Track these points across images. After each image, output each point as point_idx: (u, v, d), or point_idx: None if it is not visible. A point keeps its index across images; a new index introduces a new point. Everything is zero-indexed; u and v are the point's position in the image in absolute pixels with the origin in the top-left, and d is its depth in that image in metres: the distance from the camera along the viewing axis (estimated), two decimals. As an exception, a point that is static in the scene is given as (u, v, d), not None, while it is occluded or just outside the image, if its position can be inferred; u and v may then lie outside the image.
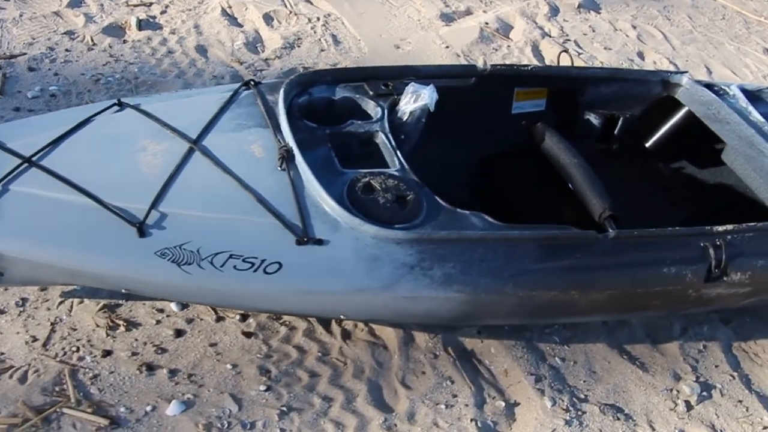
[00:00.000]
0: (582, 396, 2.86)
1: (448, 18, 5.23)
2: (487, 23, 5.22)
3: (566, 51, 3.72)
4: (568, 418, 2.74)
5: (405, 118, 3.00)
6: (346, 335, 2.89)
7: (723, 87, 3.75)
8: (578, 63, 4.97)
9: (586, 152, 3.73)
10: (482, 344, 2.97)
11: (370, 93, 3.06)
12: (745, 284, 2.84)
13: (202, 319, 2.82)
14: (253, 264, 2.31)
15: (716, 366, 3.13)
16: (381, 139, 2.85)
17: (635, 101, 3.73)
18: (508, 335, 3.02)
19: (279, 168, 2.55)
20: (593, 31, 5.60)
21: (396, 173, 2.68)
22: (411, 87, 3.05)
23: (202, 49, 4.30)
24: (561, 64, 3.63)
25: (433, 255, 2.45)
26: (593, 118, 3.70)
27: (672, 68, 5.33)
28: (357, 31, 4.83)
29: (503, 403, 2.77)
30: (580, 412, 2.78)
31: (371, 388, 2.71)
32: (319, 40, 4.61)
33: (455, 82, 3.33)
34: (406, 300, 2.45)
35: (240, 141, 2.63)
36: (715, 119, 3.48)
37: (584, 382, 2.92)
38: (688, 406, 2.92)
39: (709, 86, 3.72)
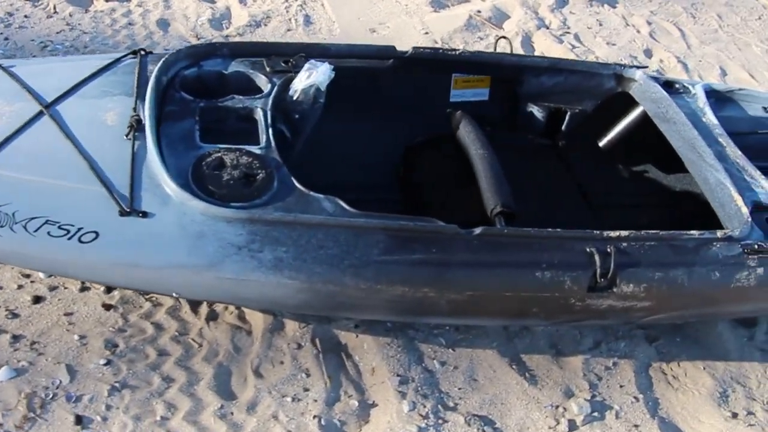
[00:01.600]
0: (451, 404, 2.65)
1: (439, 4, 5.02)
2: (479, 11, 4.98)
3: (505, 37, 3.46)
4: (423, 425, 2.54)
5: (296, 97, 2.86)
6: (213, 317, 2.79)
7: (686, 85, 3.42)
8: (569, 57, 4.66)
9: (527, 147, 3.48)
10: (357, 339, 2.80)
11: (268, 69, 2.93)
12: (640, 298, 2.55)
13: (66, 288, 2.77)
14: (68, 231, 2.23)
15: (621, 386, 2.84)
16: (259, 115, 2.72)
17: (585, 95, 3.44)
18: (389, 332, 2.83)
19: (126, 137, 2.46)
20: (600, 25, 5.25)
21: (258, 151, 2.54)
22: (307, 65, 2.90)
23: (164, 23, 4.28)
24: (500, 51, 3.36)
25: (265, 237, 2.30)
26: (536, 111, 3.45)
27: (680, 68, 4.93)
28: (335, 13, 4.70)
29: (357, 403, 2.59)
30: (440, 421, 2.57)
31: (219, 373, 2.59)
32: (289, 20, 4.50)
33: (373, 63, 3.14)
34: (232, 282, 2.32)
35: (97, 108, 2.56)
36: (663, 118, 3.17)
37: (459, 389, 2.70)
38: (572, 426, 2.66)
39: (668, 83, 3.40)
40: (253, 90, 2.86)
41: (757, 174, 2.93)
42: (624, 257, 2.50)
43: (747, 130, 3.46)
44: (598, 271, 2.45)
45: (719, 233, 2.61)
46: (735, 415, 2.82)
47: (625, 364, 2.93)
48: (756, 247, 2.61)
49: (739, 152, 3.02)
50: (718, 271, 2.58)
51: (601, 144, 3.57)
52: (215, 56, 2.95)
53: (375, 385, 2.66)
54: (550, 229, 2.50)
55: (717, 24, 5.62)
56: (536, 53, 4.74)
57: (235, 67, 2.93)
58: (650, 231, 2.57)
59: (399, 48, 3.16)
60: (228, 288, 2.36)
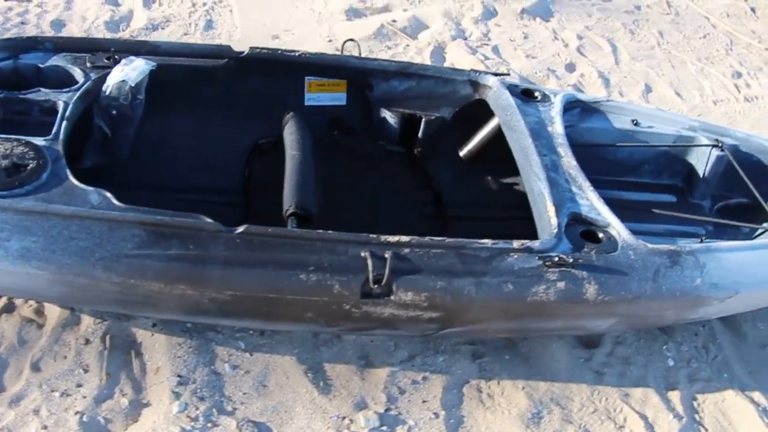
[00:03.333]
0: (229, 408, 2.59)
1: (356, 13, 5.00)
2: (394, 21, 4.94)
3: (352, 40, 3.41)
4: (189, 427, 2.49)
5: (108, 92, 2.86)
6: (9, 309, 2.78)
7: (546, 94, 3.34)
8: (479, 68, 4.57)
9: (379, 154, 3.42)
10: (152, 338, 2.76)
11: (88, 64, 2.94)
12: (423, 307, 2.47)
13: None
14: None
15: (424, 401, 2.75)
16: (60, 108, 2.72)
17: (441, 102, 3.39)
18: (186, 333, 2.79)
19: None
20: (525, 38, 5.17)
21: (42, 142, 2.54)
22: (123, 61, 2.91)
23: (58, 24, 4.34)
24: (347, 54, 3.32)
25: (15, 226, 2.29)
26: (390, 117, 3.40)
27: (600, 83, 4.82)
28: (241, 19, 4.71)
29: (128, 402, 2.55)
30: (210, 424, 2.52)
31: (-8, 366, 2.58)
32: (189, 24, 4.53)
33: (210, 62, 3.13)
34: None
35: None
36: (508, 126, 3.10)
37: (244, 394, 2.64)
38: (354, 439, 2.57)
39: (527, 91, 3.32)
40: (69, 84, 2.87)
41: (587, 186, 2.83)
42: (403, 264, 2.43)
43: (609, 141, 3.36)
44: (371, 276, 2.37)
45: (516, 244, 2.52)
46: (540, 437, 2.70)
47: (436, 380, 2.83)
48: (556, 259, 2.50)
49: (574, 163, 2.93)
50: (512, 284, 2.49)
51: (461, 153, 3.48)
52: (36, 50, 2.97)
53: (155, 385, 2.62)
54: (321, 231, 2.44)
55: (656, 41, 5.49)
56: (445, 65, 4.68)
57: (55, 61, 2.95)
58: (437, 238, 2.49)
59: (232, 48, 3.14)
60: (-20, 277, 2.35)
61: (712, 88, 5.04)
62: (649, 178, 3.56)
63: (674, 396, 2.96)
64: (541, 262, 2.52)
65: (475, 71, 3.37)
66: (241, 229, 2.37)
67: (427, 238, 2.47)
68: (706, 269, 2.68)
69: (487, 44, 4.96)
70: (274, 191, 2.78)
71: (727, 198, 3.57)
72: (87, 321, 2.77)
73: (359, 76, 3.30)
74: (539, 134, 3.05)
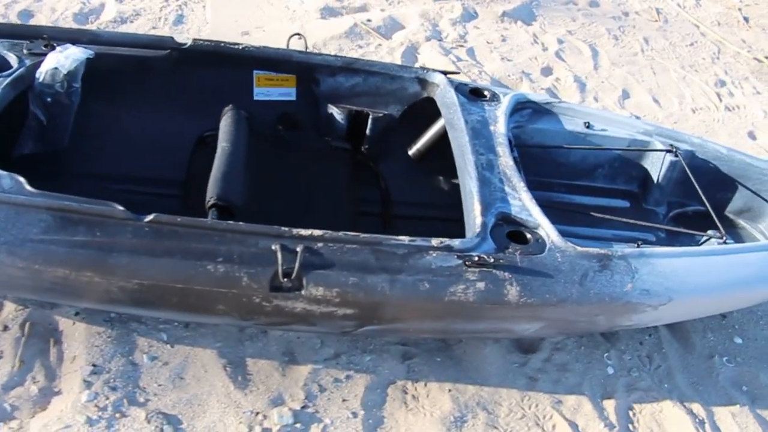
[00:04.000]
0: (141, 399, 2.56)
1: (332, 12, 4.98)
2: (369, 20, 4.91)
3: (298, 34, 3.38)
4: (95, 417, 2.46)
5: (41, 79, 2.86)
6: (-67, 296, 2.77)
7: (496, 93, 3.29)
8: (449, 69, 4.52)
9: (323, 151, 3.38)
10: (73, 327, 2.75)
11: (25, 51, 2.94)
12: (335, 303, 2.42)
13: None
14: None
15: (344, 400, 2.70)
16: None
17: (389, 99, 3.36)
18: (108, 322, 2.78)
19: None
20: (503, 41, 5.11)
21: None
22: (58, 48, 2.90)
23: (26, 15, 4.37)
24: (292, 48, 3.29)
25: None
26: (336, 113, 3.37)
27: (575, 88, 4.75)
28: (213, 15, 4.71)
29: (38, 389, 2.53)
30: (118, 415, 2.49)
31: None
32: (159, 18, 4.53)
33: (151, 53, 3.11)
34: None
35: None
36: (450, 124, 3.05)
37: (159, 386, 2.62)
38: (265, 435, 2.53)
39: (476, 91, 3.27)
40: (2, 70, 2.87)
41: (521, 186, 2.78)
42: (315, 258, 2.39)
43: (560, 144, 3.30)
44: (280, 269, 2.33)
45: (435, 242, 2.47)
46: (461, 441, 2.64)
47: (360, 379, 2.79)
48: (476, 259, 2.45)
49: (511, 163, 2.88)
50: (428, 282, 2.43)
51: (410, 152, 3.44)
52: None
53: (69, 374, 2.60)
54: (231, 222, 2.41)
55: (640, 47, 5.41)
56: (416, 66, 4.63)
57: None
58: (351, 233, 2.44)
59: (176, 39, 3.13)
60: None
61: (693, 96, 4.95)
62: (604, 182, 3.49)
63: (609, 405, 2.89)
64: (460, 262, 2.46)
65: (424, 68, 3.33)
66: (150, 217, 2.34)
67: (341, 233, 2.43)
68: (638, 275, 2.61)
69: (462, 46, 4.92)
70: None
71: (685, 205, 3.49)
72: (9, 308, 2.77)
73: (305, 71, 3.27)
74: (480, 133, 3.00)
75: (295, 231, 2.40)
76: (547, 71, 4.91)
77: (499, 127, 3.05)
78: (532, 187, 3.45)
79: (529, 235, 2.61)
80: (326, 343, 2.87)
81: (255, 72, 3.33)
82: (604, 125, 3.35)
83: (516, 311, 2.55)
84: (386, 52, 4.67)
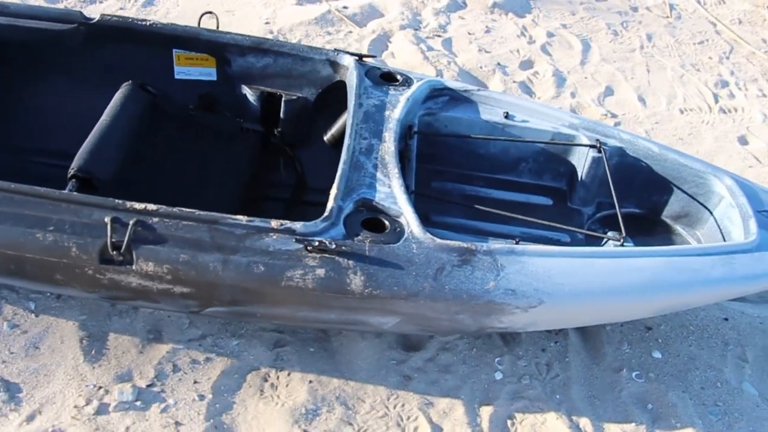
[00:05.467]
0: (-12, 366, 2.58)
1: (311, -2, 4.92)
2: (345, 7, 4.83)
3: (211, 12, 3.32)
4: (-65, 378, 2.49)
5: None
6: None
7: (410, 78, 3.16)
8: (424, 64, 4.41)
9: (229, 132, 3.32)
10: (-55, 290, 2.80)
11: None
12: (168, 280, 2.38)
13: None
14: None
15: (196, 382, 2.67)
16: None
17: (302, 81, 3.29)
18: (-20, 289, 2.81)
19: None
20: (486, 32, 4.93)
21: None
22: (-43, 20, 2.97)
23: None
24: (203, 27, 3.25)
25: None
26: (249, 94, 3.32)
27: (552, 82, 4.52)
28: (185, -3, 4.74)
29: None
30: (-42, 378, 2.51)
31: None
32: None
33: (57, 26, 3.14)
34: None
35: None
36: (347, 108, 2.96)
37: (11, 353, 2.66)
38: (101, 409, 2.54)
39: (387, 75, 3.16)
40: None
41: (394, 173, 2.66)
42: (148, 233, 2.35)
43: (476, 134, 3.13)
44: (109, 242, 2.31)
45: (274, 224, 2.39)
46: (305, 434, 2.54)
47: (220, 362, 2.73)
48: (316, 244, 2.35)
49: (392, 149, 2.75)
50: (264, 265, 2.35)
51: (325, 137, 3.35)
52: None
53: (-75, 335, 2.65)
54: (66, 192, 2.40)
55: (639, 44, 5.11)
56: (383, 55, 4.52)
57: None
58: (187, 210, 2.38)
59: (83, 14, 3.14)
60: None
61: (686, 96, 4.63)
62: (530, 178, 3.30)
63: (486, 411, 2.72)
64: (300, 246, 2.37)
65: (335, 50, 3.23)
66: None
67: (176, 209, 2.38)
68: (503, 273, 2.44)
69: (439, 36, 4.77)
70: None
71: (619, 206, 3.25)
72: None
73: (214, 50, 3.23)
74: (372, 117, 2.89)
75: (129, 204, 2.37)
76: (526, 65, 4.70)
77: (395, 113, 2.92)
78: (450, 179, 3.32)
79: (387, 224, 2.48)
80: (195, 324, 2.82)
81: (174, 51, 3.31)
82: (527, 116, 3.16)
83: (362, 302, 2.43)
84: (354, 40, 4.58)
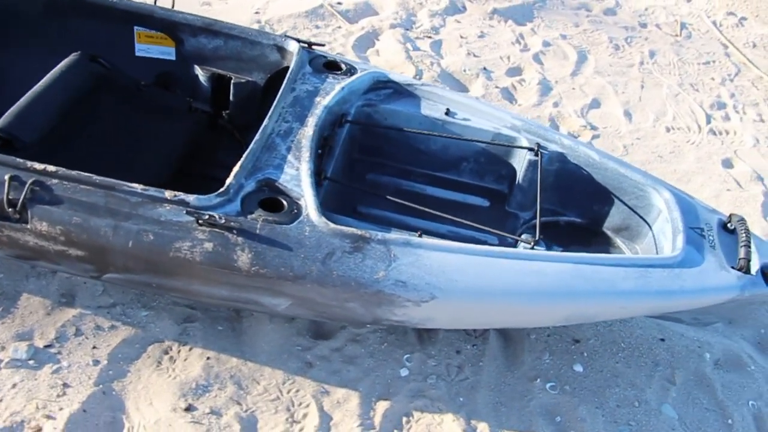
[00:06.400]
0: None
1: (308, -8, 4.96)
2: (339, 2, 4.85)
3: None
4: None
5: None
6: None
7: (354, 68, 3.15)
8: (406, 63, 4.40)
9: (175, 110, 3.36)
10: None
11: None
12: (61, 242, 2.43)
13: None
14: None
15: (95, 348, 2.72)
16: None
17: (251, 65, 3.32)
18: None
19: None
20: (480, 37, 4.88)
21: None
22: None
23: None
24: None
25: None
26: (201, 75, 3.36)
27: (537, 90, 4.45)
28: (184, -16, 4.82)
29: None
30: None
31: None
32: (126, -19, 4.69)
33: None
34: None
35: None
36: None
37: None
38: None
39: (331, 64, 3.16)
40: None
41: (305, 158, 2.65)
42: (45, 193, 2.40)
43: (414, 128, 3.09)
44: (5, 199, 2.37)
45: (168, 194, 2.42)
46: (189, 408, 2.55)
47: (124, 331, 2.76)
48: (207, 217, 2.36)
49: (310, 133, 2.74)
50: (153, 234, 2.38)
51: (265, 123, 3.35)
52: None
53: None
54: (-27, 146, 2.47)
55: (640, 59, 4.98)
56: (368, 52, 4.52)
57: None
58: (86, 174, 2.43)
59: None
60: None
61: (676, 115, 4.49)
62: (471, 178, 3.24)
63: (382, 406, 2.68)
64: (192, 219, 2.38)
65: (283, 36, 3.24)
66: None
67: (75, 172, 2.42)
68: (395, 264, 2.40)
69: (430, 37, 4.74)
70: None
71: (559, 214, 3.17)
72: None
73: (169, 29, 3.28)
74: (300, 102, 2.89)
75: (30, 164, 2.42)
76: (514, 71, 4.63)
77: (325, 100, 2.91)
78: (390, 173, 3.28)
79: (285, 204, 2.47)
80: (108, 292, 2.86)
81: (136, 28, 3.38)
82: (469, 114, 3.11)
83: (249, 280, 2.42)
84: (342, 35, 4.59)
